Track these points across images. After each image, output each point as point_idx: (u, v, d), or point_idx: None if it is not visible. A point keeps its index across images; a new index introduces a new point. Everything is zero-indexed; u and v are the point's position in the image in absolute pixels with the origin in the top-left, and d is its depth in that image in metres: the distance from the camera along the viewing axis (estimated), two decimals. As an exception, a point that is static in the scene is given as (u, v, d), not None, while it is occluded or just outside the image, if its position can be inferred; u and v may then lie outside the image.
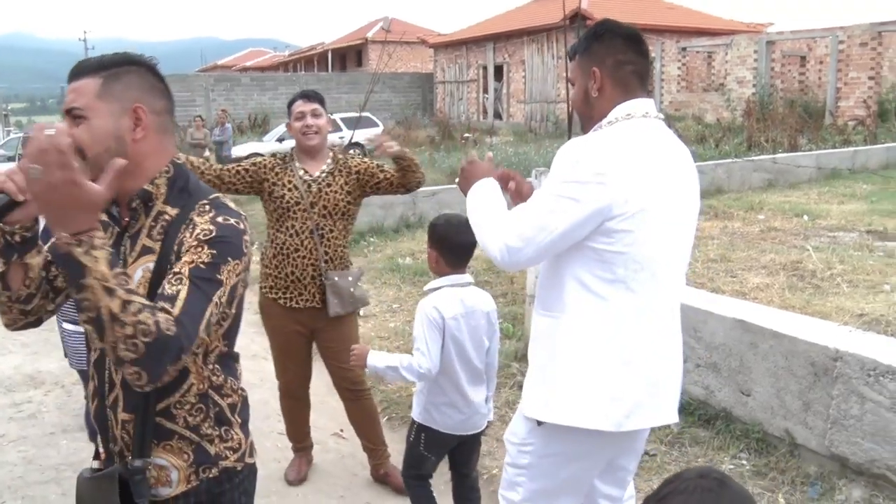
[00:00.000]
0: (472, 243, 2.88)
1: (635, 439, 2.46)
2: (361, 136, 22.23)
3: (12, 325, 1.86)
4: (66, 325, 4.16)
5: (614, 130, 2.25)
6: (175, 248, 1.71)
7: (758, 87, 22.60)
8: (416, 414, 3.20)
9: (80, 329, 3.98)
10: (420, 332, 3.00)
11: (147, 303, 1.53)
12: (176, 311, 1.58)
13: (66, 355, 4.36)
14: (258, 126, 30.99)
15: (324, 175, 3.90)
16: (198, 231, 1.70)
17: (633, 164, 2.17)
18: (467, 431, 3.18)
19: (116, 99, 1.73)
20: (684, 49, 26.25)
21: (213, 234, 1.70)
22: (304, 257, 3.86)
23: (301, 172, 3.90)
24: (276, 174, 3.90)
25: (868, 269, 6.52)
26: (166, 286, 1.63)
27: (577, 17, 26.58)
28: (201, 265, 1.66)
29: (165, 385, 1.65)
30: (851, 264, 6.72)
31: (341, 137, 22.40)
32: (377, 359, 3.08)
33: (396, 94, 36.42)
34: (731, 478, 1.58)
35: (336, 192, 3.89)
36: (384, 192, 4.02)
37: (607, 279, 2.21)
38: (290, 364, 4.12)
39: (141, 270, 1.74)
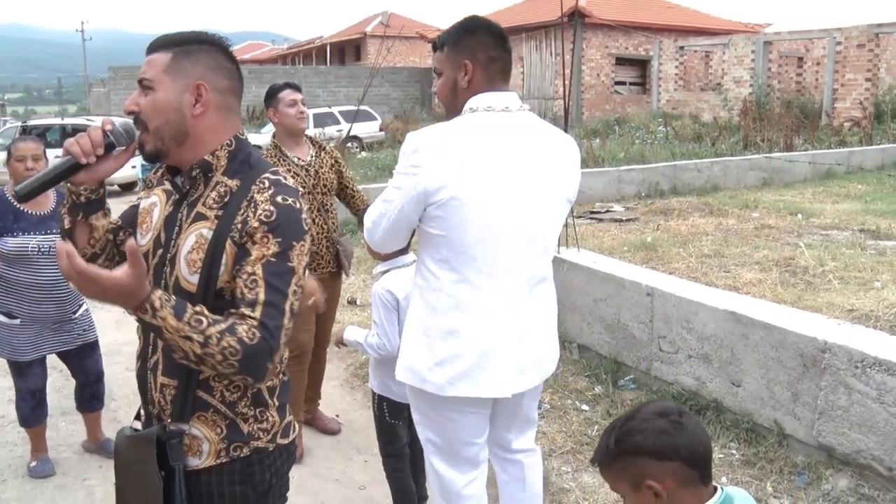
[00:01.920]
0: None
1: (472, 406, 2.60)
2: (359, 129, 22.25)
3: None
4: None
5: (459, 121, 2.46)
6: (238, 225, 1.78)
7: (755, 87, 22.67)
8: (374, 386, 3.43)
9: (12, 322, 4.03)
10: (377, 315, 3.21)
11: (224, 326, 1.68)
12: (258, 314, 1.71)
13: None
14: (256, 118, 30.94)
15: (312, 159, 4.33)
16: (259, 212, 1.77)
17: (452, 154, 2.36)
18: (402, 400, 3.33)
19: (182, 74, 1.82)
20: (682, 48, 26.30)
21: (274, 217, 1.77)
22: (317, 233, 4.30)
23: (295, 159, 4.27)
24: (277, 166, 4.07)
25: (860, 267, 6.59)
26: (245, 290, 1.74)
27: (574, 15, 26.66)
28: (272, 259, 1.75)
29: None
30: (843, 262, 6.79)
31: (339, 131, 22.42)
32: (350, 333, 3.40)
33: (395, 89, 36.41)
34: (690, 414, 1.74)
35: (327, 172, 4.38)
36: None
37: (436, 259, 2.48)
38: (308, 325, 4.32)
39: (194, 236, 1.81)
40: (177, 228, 1.85)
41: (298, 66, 41.62)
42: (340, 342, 3.52)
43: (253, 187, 1.81)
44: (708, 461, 1.70)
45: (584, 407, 4.61)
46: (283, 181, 1.84)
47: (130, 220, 2.00)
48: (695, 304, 4.34)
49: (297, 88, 4.37)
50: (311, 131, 23.06)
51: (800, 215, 9.68)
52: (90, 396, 4.41)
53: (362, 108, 22.78)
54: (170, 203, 1.89)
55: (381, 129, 24.93)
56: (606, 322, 5.03)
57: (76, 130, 18.48)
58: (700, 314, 4.30)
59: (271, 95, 4.30)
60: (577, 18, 22.26)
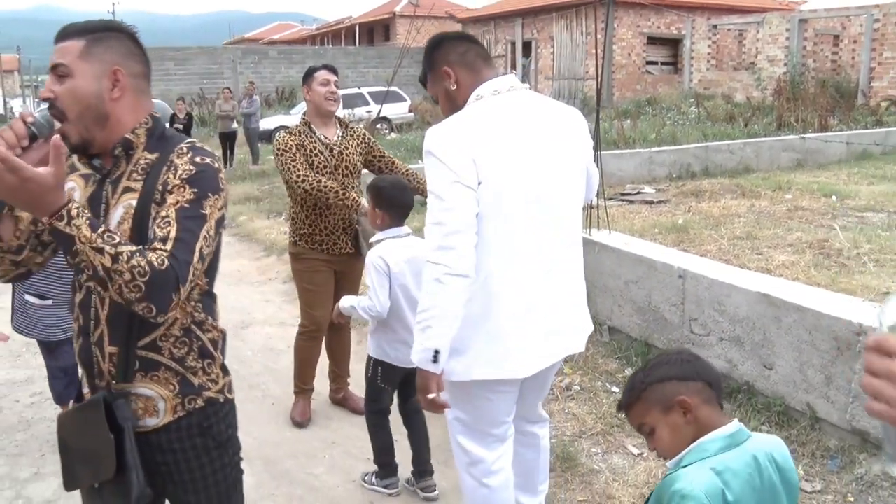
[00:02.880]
0: (411, 202, 3.62)
1: (505, 386, 2.70)
2: (389, 110, 22.22)
3: (4, 277, 2.04)
4: (29, 298, 4.11)
5: (471, 110, 2.59)
6: (159, 187, 1.87)
7: (789, 66, 22.32)
8: (371, 351, 3.67)
9: (44, 302, 4.09)
10: (370, 280, 3.47)
11: (135, 248, 1.73)
12: (168, 246, 1.76)
13: (15, 327, 4.23)
14: (285, 99, 31.07)
15: (339, 139, 4.39)
16: (179, 171, 1.87)
17: (475, 143, 2.47)
18: (411, 364, 3.38)
19: (98, 61, 1.89)
20: (715, 27, 25.94)
21: (193, 172, 1.87)
22: (335, 213, 4.34)
23: (322, 138, 4.35)
24: (305, 144, 4.31)
25: (896, 249, 6.50)
26: (157, 230, 1.80)
27: (606, -6, 26.43)
28: (185, 204, 1.83)
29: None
30: (879, 244, 6.69)
31: (368, 111, 22.42)
32: (344, 301, 3.65)
33: (424, 70, 36.35)
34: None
35: (352, 153, 4.41)
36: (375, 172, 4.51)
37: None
38: (324, 301, 4.48)
39: (122, 207, 1.89)
40: (103, 205, 1.92)
41: (327, 47, 41.67)
42: (339, 316, 3.82)
43: (171, 154, 1.91)
44: (721, 391, 1.94)
45: (615, 389, 4.60)
46: (200, 146, 1.96)
47: None
48: (727, 287, 4.30)
49: (332, 70, 4.47)
50: (340, 112, 23.15)
51: (834, 197, 9.54)
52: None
53: (392, 89, 22.75)
54: (91, 184, 1.96)
55: (410, 111, 24.89)
56: (637, 304, 5.01)
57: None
58: (732, 296, 4.27)
59: (308, 74, 4.44)
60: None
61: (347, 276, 4.58)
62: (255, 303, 7.12)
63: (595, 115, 6.47)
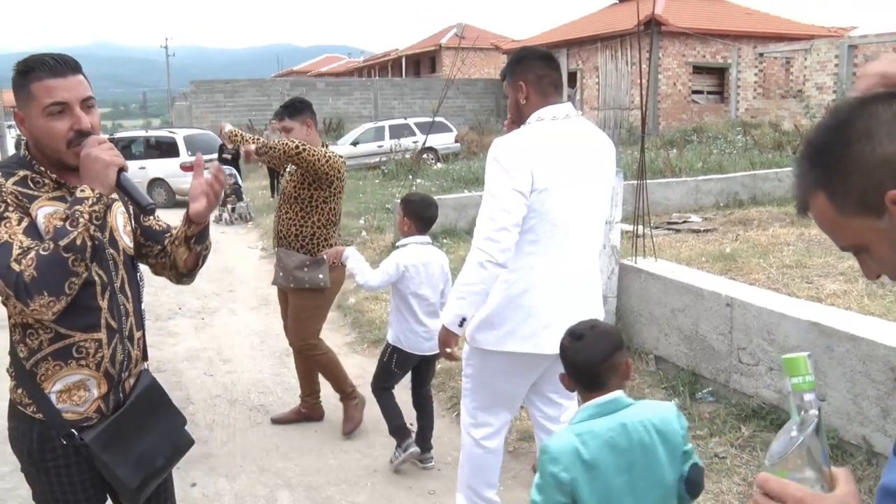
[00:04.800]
0: (435, 215, 4.20)
1: (536, 363, 3.12)
2: (435, 140, 22.35)
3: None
4: None
5: (532, 129, 3.02)
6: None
7: (838, 93, 21.98)
8: (390, 338, 4.26)
9: None
10: (384, 265, 4.11)
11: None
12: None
13: None
14: (333, 130, 31.41)
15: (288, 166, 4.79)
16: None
17: (534, 156, 2.92)
18: (426, 353, 4.18)
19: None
20: (761, 55, 25.70)
21: None
22: (273, 238, 4.88)
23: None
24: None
25: (953, 279, 6.31)
26: (157, 226, 2.47)
27: (651, 23, 26.31)
28: None
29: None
30: (935, 273, 6.51)
31: (415, 142, 22.57)
32: (353, 259, 4.14)
33: (470, 100, 36.53)
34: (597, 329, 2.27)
35: (288, 180, 4.71)
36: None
37: (522, 241, 2.97)
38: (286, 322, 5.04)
39: (121, 215, 2.31)
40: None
41: (374, 79, 42.11)
42: (337, 256, 4.23)
43: None
44: (596, 373, 2.16)
45: (661, 419, 4.51)
46: None
47: (38, 234, 2.03)
48: (776, 315, 4.21)
49: (280, 116, 4.77)
50: (387, 143, 23.29)
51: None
52: None
53: (438, 119, 22.92)
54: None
55: (456, 141, 24.98)
56: (684, 333, 4.92)
57: (159, 142, 19.10)
58: (782, 325, 4.18)
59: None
60: (653, 27, 21.99)
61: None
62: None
63: (640, 144, 6.41)
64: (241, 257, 11.46)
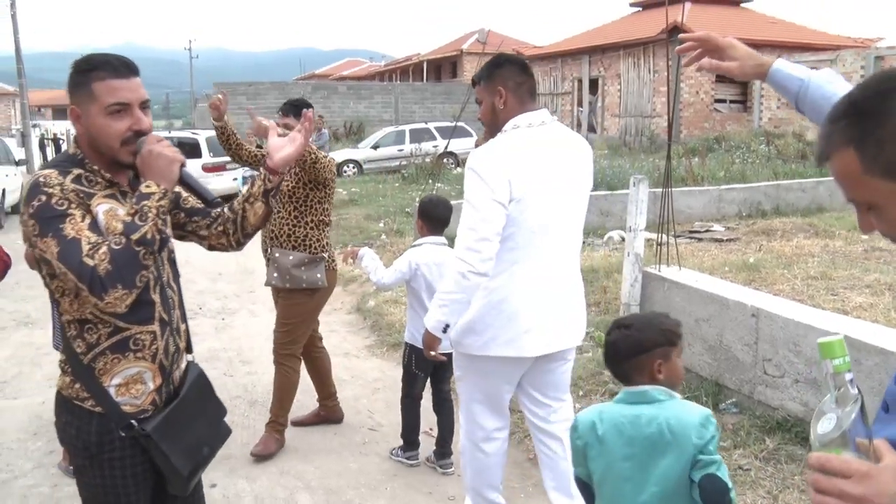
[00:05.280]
0: (447, 216, 4.32)
1: (518, 365, 3.23)
2: (455, 145, 22.35)
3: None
4: None
5: (508, 137, 3.07)
6: None
7: (864, 104, 21.75)
8: (407, 337, 4.40)
9: None
10: (397, 263, 4.24)
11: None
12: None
13: (56, 346, 4.22)
14: (354, 133, 31.53)
15: None
16: None
17: (512, 165, 2.98)
18: (442, 352, 3.95)
19: None
20: (787, 65, 25.53)
21: None
22: (263, 239, 4.77)
23: None
24: None
25: (981, 293, 6.23)
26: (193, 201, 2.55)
27: (674, 31, 26.20)
28: None
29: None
30: (963, 287, 6.42)
31: (435, 146, 22.57)
32: (368, 258, 4.34)
33: (490, 106, 36.56)
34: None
35: (287, 178, 4.57)
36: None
37: (503, 248, 3.04)
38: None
39: None
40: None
41: (395, 83, 42.21)
42: (352, 256, 4.46)
43: None
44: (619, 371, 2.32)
45: (684, 429, 4.47)
46: None
47: (98, 231, 2.09)
48: (803, 327, 4.17)
49: (284, 112, 4.78)
50: (407, 147, 23.31)
51: (913, 238, 9.22)
52: None
53: (458, 124, 22.88)
54: (127, 201, 2.18)
55: (476, 146, 24.92)
56: (708, 343, 4.88)
57: (181, 143, 19.21)
58: (809, 337, 4.13)
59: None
60: (677, 35, 21.90)
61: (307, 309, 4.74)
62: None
63: (667, 151, 6.37)
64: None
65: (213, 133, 19.59)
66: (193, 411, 2.34)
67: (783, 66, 1.96)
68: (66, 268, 1.95)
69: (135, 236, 1.98)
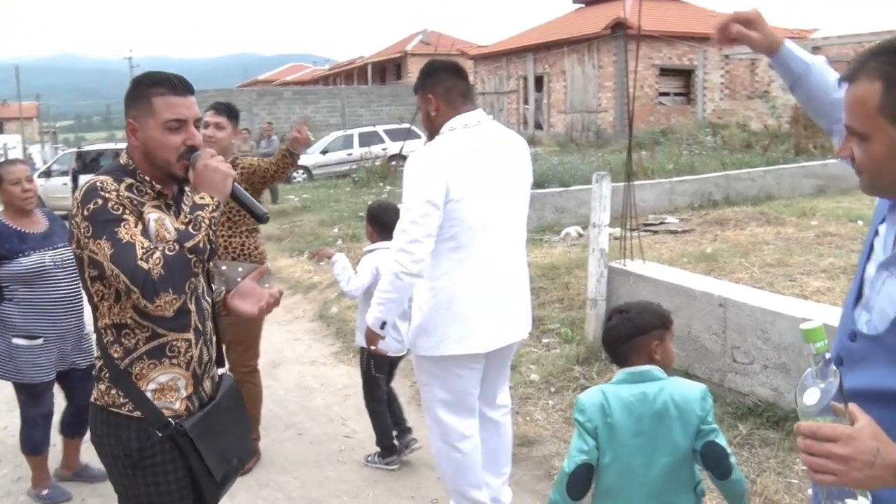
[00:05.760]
0: (395, 220, 4.10)
1: (475, 361, 3.32)
2: (406, 148, 22.33)
3: None
4: (18, 341, 4.00)
5: (444, 140, 3.17)
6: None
7: (803, 93, 22.24)
8: (361, 342, 4.23)
9: (34, 343, 4.00)
10: (361, 269, 4.29)
11: None
12: None
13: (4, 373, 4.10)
14: (301, 139, 31.25)
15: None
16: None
17: (449, 166, 3.08)
18: (397, 354, 4.31)
19: None
20: (727, 57, 26.00)
21: None
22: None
23: None
24: None
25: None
26: None
27: (618, 27, 26.52)
28: None
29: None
30: (913, 268, 6.59)
31: (384, 149, 22.53)
32: (339, 264, 4.30)
33: (437, 106, 36.58)
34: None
35: None
36: (268, 182, 4.53)
37: (444, 248, 3.15)
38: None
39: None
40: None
41: (340, 87, 42.04)
42: (324, 256, 4.52)
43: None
44: (617, 352, 2.49)
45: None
46: None
47: (149, 237, 2.18)
48: (770, 314, 4.25)
49: (217, 110, 4.62)
50: (357, 151, 23.24)
51: (860, 222, 9.44)
52: (82, 419, 4.26)
53: (407, 126, 22.83)
54: (171, 212, 2.29)
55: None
56: (676, 334, 4.89)
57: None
58: (776, 324, 4.22)
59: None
60: (620, 31, 22.12)
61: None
62: (284, 342, 7.09)
63: (628, 146, 6.45)
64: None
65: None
66: (227, 418, 2.41)
67: (792, 47, 2.09)
68: (120, 270, 2.02)
69: (188, 244, 2.06)
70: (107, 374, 2.23)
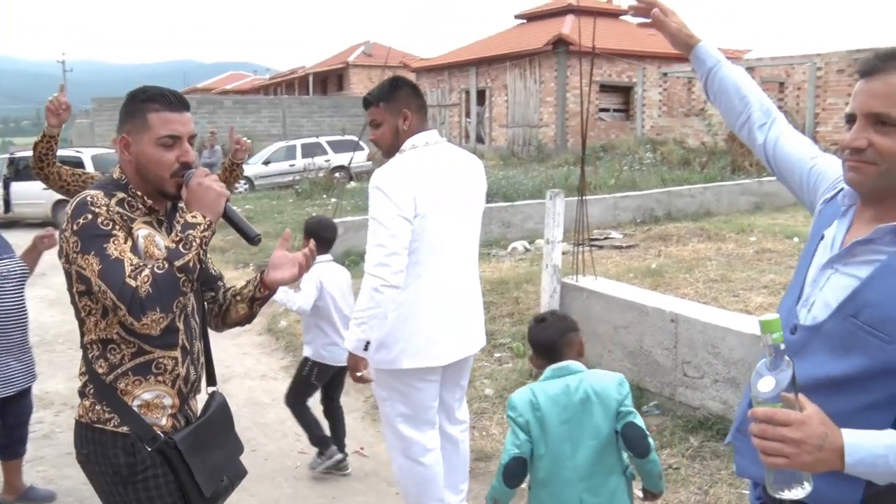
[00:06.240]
0: (334, 236, 4.58)
1: (433, 373, 3.38)
2: (347, 159, 22.26)
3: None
4: None
5: (410, 157, 3.25)
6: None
7: (738, 112, 22.81)
8: (309, 354, 4.48)
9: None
10: (304, 286, 4.31)
11: None
12: None
13: None
14: (242, 149, 30.89)
15: None
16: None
17: (416, 183, 3.16)
18: (341, 363, 4.35)
19: None
20: (665, 74, 26.60)
21: None
22: None
23: None
24: None
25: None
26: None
27: (559, 43, 26.90)
28: None
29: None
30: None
31: (327, 160, 22.44)
32: (281, 292, 4.17)
33: (379, 118, 36.51)
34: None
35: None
36: None
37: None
38: None
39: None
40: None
41: (282, 97, 41.70)
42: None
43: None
44: (555, 348, 2.70)
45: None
46: None
47: (138, 254, 2.16)
48: (721, 330, 4.37)
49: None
50: (300, 162, 23.08)
51: (796, 238, 9.76)
52: (18, 439, 4.22)
53: (350, 138, 22.79)
54: (163, 229, 2.28)
55: (368, 159, 24.96)
56: (628, 349, 5.05)
57: (63, 162, 18.39)
58: (727, 339, 4.34)
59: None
60: (562, 47, 22.44)
61: None
62: (232, 356, 7.01)
63: (581, 162, 6.56)
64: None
65: (98, 151, 18.76)
66: (217, 435, 2.37)
67: (707, 44, 2.30)
68: (108, 286, 2.00)
69: (178, 263, 2.03)
70: (91, 390, 2.20)
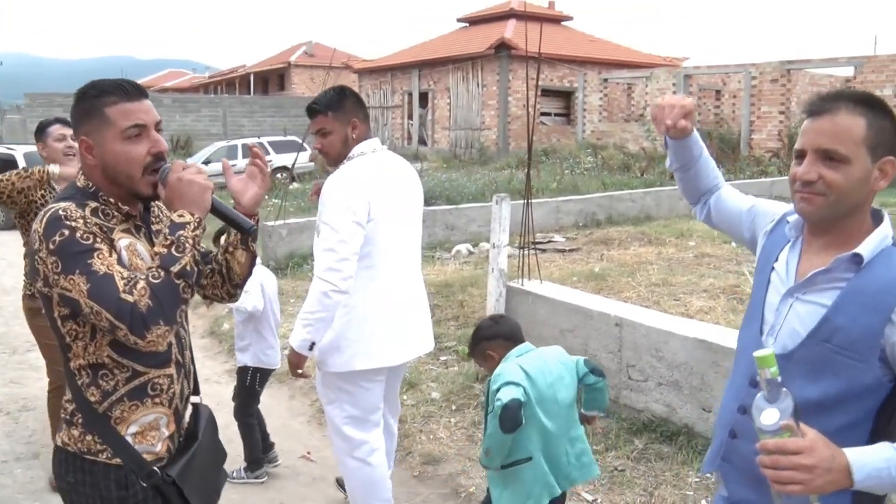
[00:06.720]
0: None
1: (380, 373, 3.46)
2: (290, 160, 22.07)
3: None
4: None
5: (360, 164, 3.33)
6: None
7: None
8: (248, 361, 4.44)
9: None
10: (249, 287, 4.15)
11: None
12: None
13: None
14: (181, 148, 30.45)
15: None
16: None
17: (367, 189, 3.24)
18: (277, 365, 4.54)
19: None
20: (606, 80, 26.99)
21: None
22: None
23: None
24: (42, 195, 4.20)
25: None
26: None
27: (501, 47, 27.11)
28: None
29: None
30: (785, 288, 7.02)
31: (269, 161, 22.19)
32: None
33: (321, 119, 36.29)
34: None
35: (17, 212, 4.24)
36: None
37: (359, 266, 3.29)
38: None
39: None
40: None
41: (223, 96, 41.15)
42: None
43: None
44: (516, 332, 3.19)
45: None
46: None
47: (123, 266, 1.98)
48: (665, 333, 4.46)
49: (67, 124, 4.33)
50: (241, 162, 22.82)
51: (733, 243, 10.00)
52: None
53: (293, 138, 22.61)
54: (141, 235, 2.11)
55: (310, 160, 24.79)
56: (573, 352, 5.08)
57: (-4, 160, 17.89)
58: (670, 343, 4.42)
59: (40, 130, 4.40)
60: (504, 51, 22.62)
61: None
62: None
63: (527, 166, 6.62)
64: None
65: (32, 148, 18.28)
66: (209, 456, 2.24)
67: (697, 135, 2.28)
68: (101, 306, 1.81)
69: (174, 269, 1.86)
70: (80, 420, 2.01)
